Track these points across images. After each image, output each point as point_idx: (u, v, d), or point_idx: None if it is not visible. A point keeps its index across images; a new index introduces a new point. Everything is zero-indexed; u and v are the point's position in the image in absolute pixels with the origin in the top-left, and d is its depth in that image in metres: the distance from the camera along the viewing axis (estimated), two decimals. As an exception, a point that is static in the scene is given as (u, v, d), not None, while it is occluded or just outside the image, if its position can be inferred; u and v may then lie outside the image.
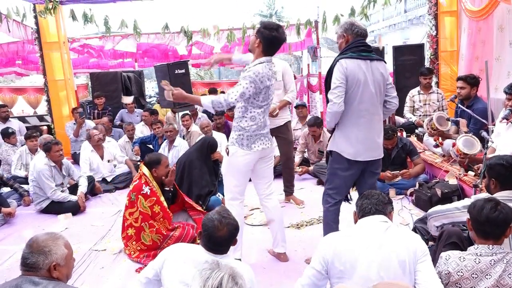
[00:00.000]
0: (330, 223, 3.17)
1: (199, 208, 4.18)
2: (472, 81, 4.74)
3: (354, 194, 3.17)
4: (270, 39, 3.01)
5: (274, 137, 4.08)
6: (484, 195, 2.57)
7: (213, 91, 10.23)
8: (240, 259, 3.22)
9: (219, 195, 4.75)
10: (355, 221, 2.30)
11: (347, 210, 3.14)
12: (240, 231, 3.14)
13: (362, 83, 2.90)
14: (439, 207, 2.87)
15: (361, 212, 2.23)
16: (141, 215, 3.63)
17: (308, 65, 10.41)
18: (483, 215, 2.10)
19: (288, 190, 4.92)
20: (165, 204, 3.69)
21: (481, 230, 2.13)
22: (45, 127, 8.03)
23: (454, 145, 4.23)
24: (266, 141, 3.22)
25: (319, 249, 2.17)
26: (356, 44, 2.94)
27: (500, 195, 2.46)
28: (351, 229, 2.24)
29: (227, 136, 6.48)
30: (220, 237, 2.09)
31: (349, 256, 2.06)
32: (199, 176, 4.62)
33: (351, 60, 2.89)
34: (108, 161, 6.00)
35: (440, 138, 4.78)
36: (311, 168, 5.77)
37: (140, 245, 3.65)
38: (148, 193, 3.64)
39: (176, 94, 3.11)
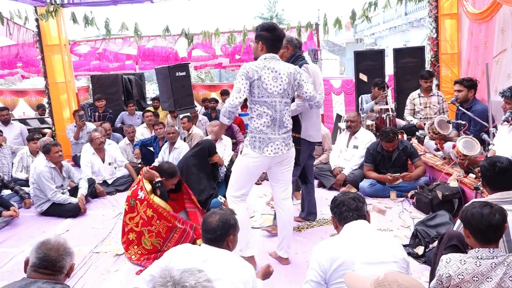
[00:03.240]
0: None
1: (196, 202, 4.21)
2: (468, 83, 4.73)
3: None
4: (271, 38, 3.10)
5: None
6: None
7: (225, 93, 10.18)
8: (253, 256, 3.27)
9: (220, 198, 4.74)
10: (336, 226, 2.35)
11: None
12: (246, 230, 3.17)
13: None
14: None
15: (343, 220, 2.26)
16: (141, 219, 3.64)
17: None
18: (484, 222, 2.07)
19: (296, 186, 4.97)
20: (155, 204, 3.62)
21: (484, 236, 2.10)
22: (49, 131, 8.03)
23: (454, 146, 4.22)
24: (282, 146, 3.11)
25: (313, 260, 2.18)
26: (300, 53, 3.88)
27: (492, 198, 2.46)
28: (341, 236, 2.25)
29: (231, 139, 6.53)
30: (210, 223, 2.23)
31: (345, 261, 2.07)
32: (197, 181, 4.60)
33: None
34: (109, 163, 6.00)
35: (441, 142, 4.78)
36: None
37: (141, 249, 3.65)
38: (142, 198, 3.65)
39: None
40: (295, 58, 3.72)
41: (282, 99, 3.09)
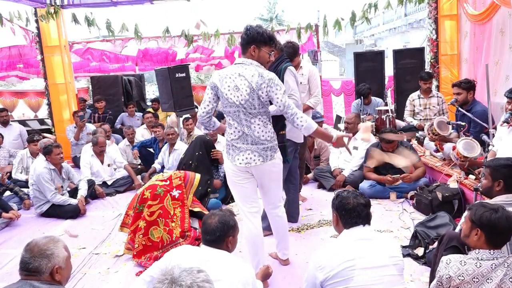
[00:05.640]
0: None
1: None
2: (466, 85, 4.71)
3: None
4: (241, 39, 2.96)
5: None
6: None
7: None
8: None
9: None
10: (336, 224, 2.32)
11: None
12: (256, 250, 2.99)
13: None
14: None
15: (349, 225, 2.23)
16: (162, 210, 3.67)
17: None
18: (507, 225, 2.05)
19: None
20: (186, 212, 3.77)
21: (504, 238, 2.09)
22: (50, 135, 8.01)
23: (454, 148, 4.22)
24: (256, 157, 2.84)
25: (308, 271, 2.18)
26: (286, 56, 3.87)
27: (498, 200, 2.45)
28: (340, 242, 2.24)
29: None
30: (209, 224, 2.24)
31: (345, 268, 2.07)
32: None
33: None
34: (108, 165, 6.00)
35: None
36: (310, 175, 5.75)
37: (146, 240, 3.62)
38: (176, 197, 3.75)
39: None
40: (280, 61, 3.68)
41: (246, 110, 2.78)
